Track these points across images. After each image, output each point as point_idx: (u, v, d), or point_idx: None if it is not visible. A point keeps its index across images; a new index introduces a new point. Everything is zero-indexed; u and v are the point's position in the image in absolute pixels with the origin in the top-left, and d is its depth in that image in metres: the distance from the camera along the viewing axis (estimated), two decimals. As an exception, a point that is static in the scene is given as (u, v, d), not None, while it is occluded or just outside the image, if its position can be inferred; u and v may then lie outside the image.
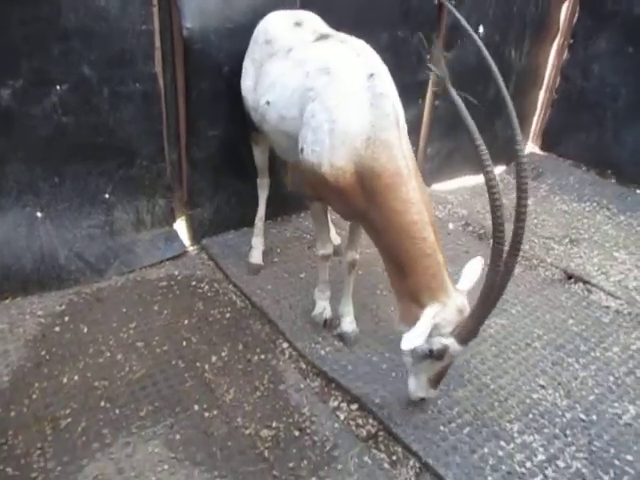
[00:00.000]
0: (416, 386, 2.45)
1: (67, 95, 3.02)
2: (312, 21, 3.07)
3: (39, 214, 3.18)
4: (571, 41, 5.17)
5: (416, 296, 2.27)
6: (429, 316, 2.17)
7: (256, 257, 3.56)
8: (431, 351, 2.24)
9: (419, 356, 2.31)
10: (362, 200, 2.40)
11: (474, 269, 2.40)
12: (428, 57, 1.99)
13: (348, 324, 3.01)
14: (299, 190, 3.68)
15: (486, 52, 2.03)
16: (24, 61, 2.86)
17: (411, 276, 2.29)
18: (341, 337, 3.00)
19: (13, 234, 3.13)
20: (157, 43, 3.20)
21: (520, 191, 1.93)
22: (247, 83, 3.13)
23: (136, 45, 3.12)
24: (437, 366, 2.33)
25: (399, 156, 2.33)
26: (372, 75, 2.41)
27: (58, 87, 2.98)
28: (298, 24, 3.00)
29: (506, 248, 2.03)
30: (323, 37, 2.78)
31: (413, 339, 2.11)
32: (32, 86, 2.92)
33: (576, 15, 5.08)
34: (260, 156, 3.43)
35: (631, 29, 4.71)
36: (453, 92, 1.99)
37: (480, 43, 2.04)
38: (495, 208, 1.98)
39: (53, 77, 2.96)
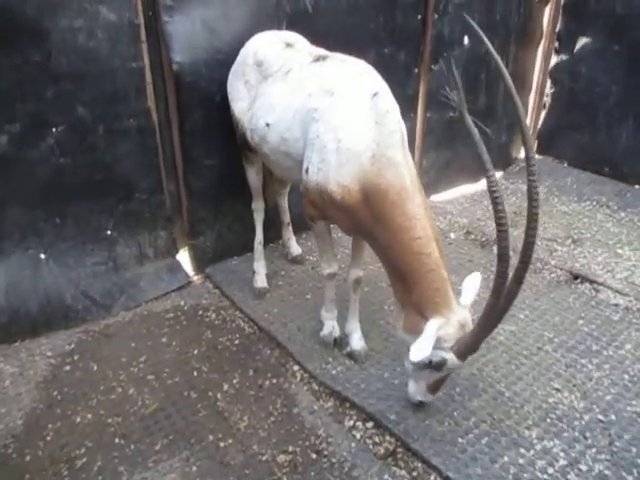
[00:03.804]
0: (415, 390, 2.55)
1: (63, 136, 3.06)
2: (301, 42, 3.10)
3: (42, 255, 3.20)
4: (556, 44, 5.22)
5: (420, 309, 2.30)
6: (433, 329, 2.20)
7: (260, 281, 3.56)
8: (430, 362, 2.29)
9: (419, 365, 2.35)
10: (367, 216, 2.42)
11: (473, 284, 2.45)
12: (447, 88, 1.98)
13: (357, 342, 3.00)
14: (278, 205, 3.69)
15: (494, 52, 2.07)
16: (19, 106, 2.91)
17: (415, 290, 2.31)
18: (351, 355, 2.99)
19: (18, 277, 3.15)
20: (148, 79, 3.25)
21: (531, 193, 1.94)
22: (240, 105, 3.13)
23: (128, 82, 3.17)
24: (435, 376, 2.41)
25: (405, 173, 2.35)
26: (376, 94, 2.43)
27: (54, 129, 3.03)
28: (289, 45, 3.03)
29: (511, 254, 2.04)
30: (322, 58, 2.79)
31: (421, 351, 2.15)
32: (29, 130, 2.97)
33: (559, 18, 5.15)
34: (254, 177, 3.41)
35: (615, 28, 4.76)
36: (469, 119, 2.01)
37: (490, 46, 2.07)
38: (498, 214, 2.01)
39: (49, 120, 3.01)
